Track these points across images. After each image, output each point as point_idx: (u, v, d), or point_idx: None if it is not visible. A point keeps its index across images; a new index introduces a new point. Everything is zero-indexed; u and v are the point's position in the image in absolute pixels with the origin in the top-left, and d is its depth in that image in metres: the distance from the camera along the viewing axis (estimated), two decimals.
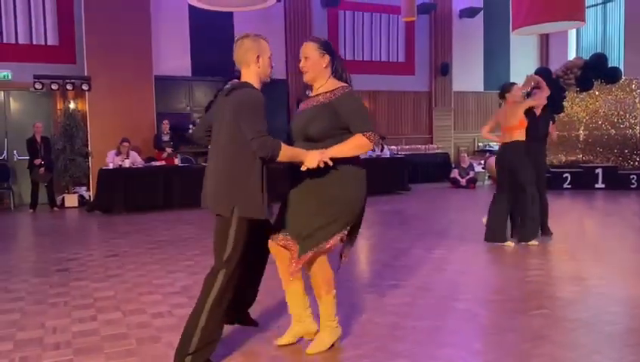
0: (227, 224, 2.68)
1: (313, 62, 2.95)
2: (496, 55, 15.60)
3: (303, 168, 2.71)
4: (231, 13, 12.15)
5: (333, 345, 2.98)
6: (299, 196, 2.87)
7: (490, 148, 13.88)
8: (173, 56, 12.01)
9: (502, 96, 5.94)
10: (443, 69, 14.63)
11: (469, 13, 14.89)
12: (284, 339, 3.07)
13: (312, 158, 2.69)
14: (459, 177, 12.35)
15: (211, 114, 2.92)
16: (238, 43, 2.86)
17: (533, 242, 5.74)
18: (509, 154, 5.69)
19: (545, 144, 6.35)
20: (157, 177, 9.68)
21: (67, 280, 4.67)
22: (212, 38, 12.35)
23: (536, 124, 6.01)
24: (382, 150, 12.03)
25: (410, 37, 14.63)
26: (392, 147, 13.08)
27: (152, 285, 4.44)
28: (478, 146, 15.22)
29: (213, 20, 11.92)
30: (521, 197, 5.67)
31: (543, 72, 12.74)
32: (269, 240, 2.94)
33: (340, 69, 2.99)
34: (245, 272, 2.86)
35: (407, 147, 13.92)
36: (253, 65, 2.82)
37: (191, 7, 10.72)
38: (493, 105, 15.30)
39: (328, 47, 3.00)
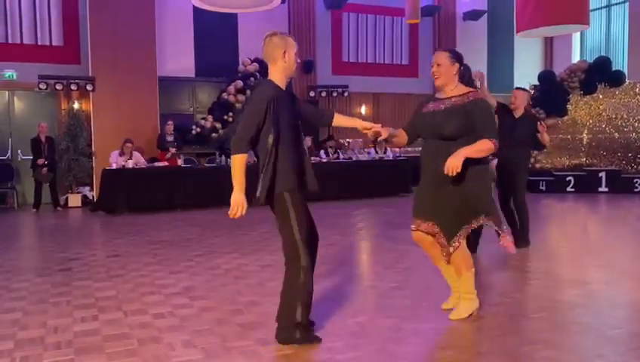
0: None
1: (445, 68, 3.38)
2: (500, 58, 15.58)
3: (449, 172, 3.11)
4: (235, 15, 12.19)
5: (471, 315, 3.48)
6: (441, 191, 3.34)
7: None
8: (177, 57, 12.04)
9: None
10: None
11: (473, 15, 14.88)
12: (449, 305, 3.66)
13: (453, 164, 3.09)
14: None
15: None
16: (267, 40, 3.10)
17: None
18: None
19: (526, 150, 5.76)
20: (160, 178, 9.69)
21: (69, 279, 4.68)
22: (216, 39, 12.39)
23: (508, 127, 5.58)
24: (385, 152, 12.02)
25: (414, 39, 14.63)
26: (395, 149, 13.07)
27: (154, 285, 4.44)
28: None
29: (217, 21, 11.96)
30: None
31: (546, 75, 12.75)
32: (414, 231, 3.51)
33: (467, 75, 3.44)
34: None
35: (410, 149, 13.88)
36: (280, 60, 3.05)
37: (195, 9, 10.77)
38: None
39: (458, 56, 3.44)
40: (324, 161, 11.34)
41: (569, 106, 12.37)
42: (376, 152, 11.96)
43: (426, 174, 3.45)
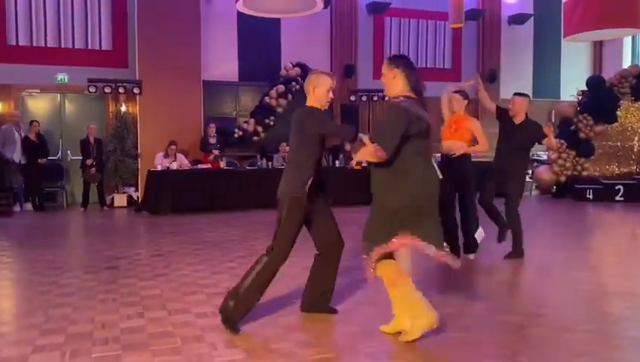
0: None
1: (385, 76, 3.32)
2: (546, 62, 15.20)
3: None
4: (278, 20, 12.31)
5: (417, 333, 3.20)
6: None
7: (539, 158, 13.54)
8: (221, 61, 12.25)
9: None
10: (490, 76, 14.36)
11: (519, 19, 14.59)
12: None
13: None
14: None
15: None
16: (307, 76, 3.60)
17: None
18: None
19: (524, 157, 5.59)
20: (202, 180, 9.87)
21: (115, 277, 4.82)
22: (259, 44, 12.55)
23: (507, 134, 5.49)
24: None
25: (457, 43, 14.45)
26: (436, 154, 12.91)
27: (196, 285, 4.53)
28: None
29: (261, 26, 12.11)
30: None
31: (595, 80, 12.39)
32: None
33: (413, 80, 3.28)
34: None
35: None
36: (311, 94, 3.50)
37: (239, 13, 10.93)
38: (543, 114, 14.94)
39: (397, 62, 3.27)
40: (364, 165, 11.32)
41: (619, 113, 11.98)
42: None
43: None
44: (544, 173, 12.58)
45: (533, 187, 13.01)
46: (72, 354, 3.00)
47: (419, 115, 3.16)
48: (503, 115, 5.62)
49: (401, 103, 3.14)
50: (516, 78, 14.80)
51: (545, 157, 13.11)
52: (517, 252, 5.52)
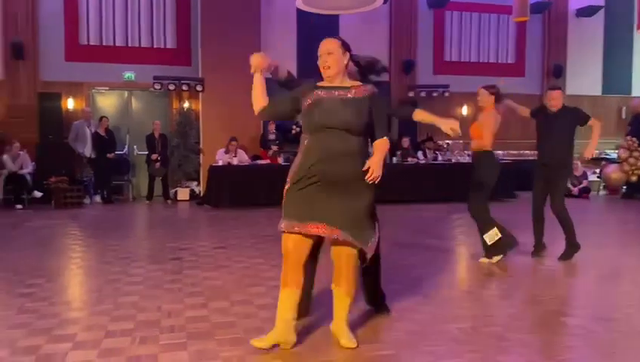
0: None
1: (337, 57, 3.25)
2: (617, 57, 14.48)
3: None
4: (337, 16, 12.32)
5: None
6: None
7: (607, 156, 12.94)
8: (281, 58, 12.34)
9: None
10: (556, 71, 13.84)
11: (587, 11, 13.95)
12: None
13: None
14: (571, 186, 11.61)
15: None
16: None
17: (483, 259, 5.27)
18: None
19: (564, 145, 5.36)
20: (262, 175, 10.04)
21: (180, 268, 4.99)
22: (318, 40, 12.55)
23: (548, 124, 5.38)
24: (434, 159, 11.63)
25: (521, 37, 14.00)
26: (498, 152, 12.58)
27: (257, 277, 4.62)
28: (593, 154, 14.22)
29: (320, 24, 12.14)
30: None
31: None
32: None
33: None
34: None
35: (515, 152, 13.32)
36: None
37: (299, 11, 11.02)
38: (612, 111, 14.26)
39: (348, 46, 3.28)
40: (422, 162, 11.19)
41: None
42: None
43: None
44: (613, 172, 12.02)
45: (601, 187, 12.44)
46: (141, 340, 3.14)
47: None
48: (538, 112, 5.58)
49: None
50: (584, 74, 14.20)
51: (614, 155, 12.52)
52: (572, 247, 5.32)
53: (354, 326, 3.40)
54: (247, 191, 9.87)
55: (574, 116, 5.35)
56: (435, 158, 11.45)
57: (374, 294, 3.64)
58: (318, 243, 3.23)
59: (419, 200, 10.11)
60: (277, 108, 3.42)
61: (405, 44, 13.02)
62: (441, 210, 9.26)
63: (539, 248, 5.52)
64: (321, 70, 3.25)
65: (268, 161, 10.58)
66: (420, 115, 3.54)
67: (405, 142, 11.51)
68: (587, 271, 5.00)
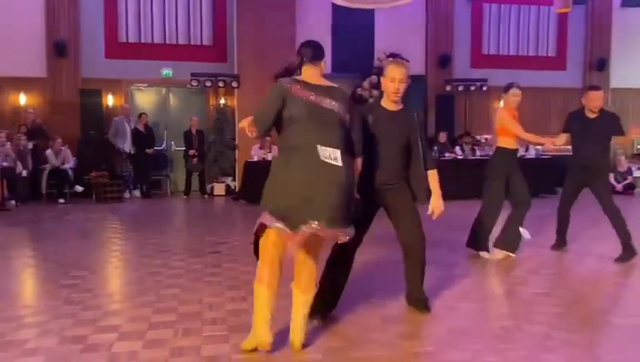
0: None
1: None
2: None
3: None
4: (372, 11, 12.23)
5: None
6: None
7: None
8: None
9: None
10: (599, 64, 13.42)
11: (634, 1, 13.44)
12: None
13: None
14: (615, 182, 11.24)
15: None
16: None
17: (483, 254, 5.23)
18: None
19: (603, 146, 5.29)
20: None
21: (219, 261, 5.04)
22: (352, 35, 12.52)
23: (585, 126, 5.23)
24: (526, 150, 11.36)
25: (563, 29, 13.61)
26: (539, 147, 12.30)
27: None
28: (638, 149, 13.76)
29: (355, 18, 12.07)
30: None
31: None
32: None
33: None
34: None
35: (554, 148, 12.98)
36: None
37: (334, 6, 10.97)
38: None
39: None
40: (460, 157, 11.03)
41: None
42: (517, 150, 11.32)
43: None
44: None
45: None
46: (184, 332, 3.18)
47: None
48: (571, 120, 5.44)
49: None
50: (628, 67, 13.70)
51: None
52: (629, 250, 5.07)
53: (393, 321, 3.37)
54: None
55: (613, 125, 5.24)
56: (473, 153, 11.27)
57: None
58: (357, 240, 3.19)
59: (457, 197, 9.95)
60: (270, 122, 2.89)
61: (442, 38, 12.83)
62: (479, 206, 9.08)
63: (561, 244, 5.48)
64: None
65: None
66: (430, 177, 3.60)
67: (442, 137, 11.36)
68: (634, 270, 4.84)
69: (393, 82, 3.34)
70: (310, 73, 2.90)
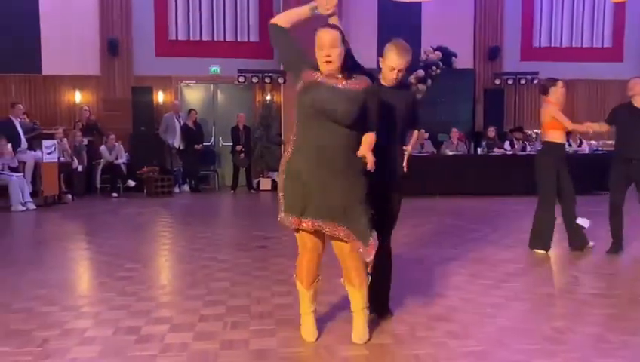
0: None
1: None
2: None
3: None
4: (419, 3, 12.07)
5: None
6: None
7: None
8: (361, 48, 12.25)
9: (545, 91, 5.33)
10: None
11: None
12: None
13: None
14: None
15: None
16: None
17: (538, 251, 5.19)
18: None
19: None
20: None
21: (266, 256, 5.12)
22: (399, 29, 12.38)
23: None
24: (580, 145, 11.00)
25: (620, 19, 13.07)
26: (592, 142, 11.87)
27: (340, 268, 4.62)
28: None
29: (401, 11, 11.95)
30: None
31: None
32: None
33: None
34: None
35: (611, 142, 12.49)
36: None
37: (380, 1, 10.90)
38: None
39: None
40: (509, 152, 10.77)
41: None
42: (570, 145, 10.97)
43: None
44: None
45: None
46: (232, 325, 3.25)
47: None
48: (616, 114, 5.24)
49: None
50: None
51: None
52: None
53: (441, 319, 3.33)
54: None
55: None
56: (524, 148, 10.98)
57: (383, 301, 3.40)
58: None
59: (507, 193, 9.75)
60: (287, 38, 3.11)
61: (491, 30, 12.54)
62: (528, 203, 8.84)
63: (617, 247, 5.17)
64: (321, 64, 2.92)
65: None
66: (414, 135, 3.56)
67: (491, 131, 11.12)
68: None
69: (392, 71, 3.21)
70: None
